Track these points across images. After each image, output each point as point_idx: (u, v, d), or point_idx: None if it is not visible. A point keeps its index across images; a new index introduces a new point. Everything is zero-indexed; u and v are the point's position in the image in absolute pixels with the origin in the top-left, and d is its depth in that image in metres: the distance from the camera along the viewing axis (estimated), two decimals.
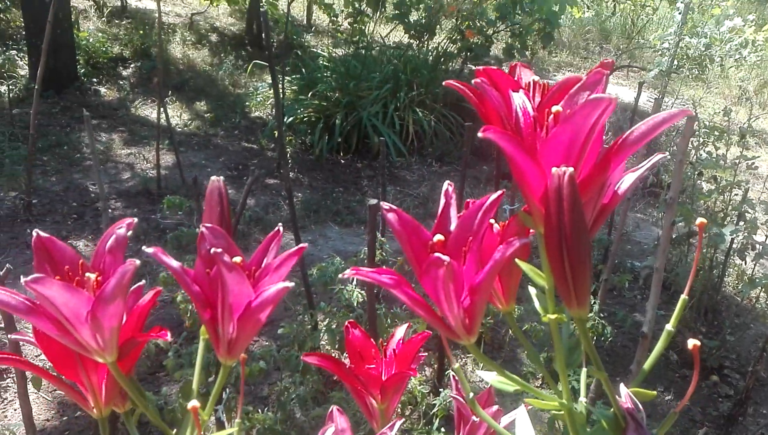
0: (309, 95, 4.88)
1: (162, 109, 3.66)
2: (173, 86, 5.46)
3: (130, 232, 0.56)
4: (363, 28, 5.93)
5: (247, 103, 5.40)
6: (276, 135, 4.40)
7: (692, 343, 0.44)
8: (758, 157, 2.93)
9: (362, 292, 2.20)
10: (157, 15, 7.25)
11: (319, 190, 4.19)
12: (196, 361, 1.74)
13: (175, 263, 0.56)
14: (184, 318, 2.55)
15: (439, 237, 0.51)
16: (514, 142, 0.45)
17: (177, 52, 6.14)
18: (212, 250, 0.53)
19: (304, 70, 5.20)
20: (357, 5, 5.72)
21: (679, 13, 4.97)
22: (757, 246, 2.68)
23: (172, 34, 6.42)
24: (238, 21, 7.31)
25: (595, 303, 2.41)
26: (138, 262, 0.50)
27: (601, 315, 2.50)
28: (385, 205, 0.52)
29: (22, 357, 0.58)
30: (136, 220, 0.57)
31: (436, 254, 0.45)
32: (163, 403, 2.06)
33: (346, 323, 0.85)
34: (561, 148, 0.47)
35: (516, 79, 0.60)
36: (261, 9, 6.50)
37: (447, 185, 0.56)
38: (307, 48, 6.57)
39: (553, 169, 0.46)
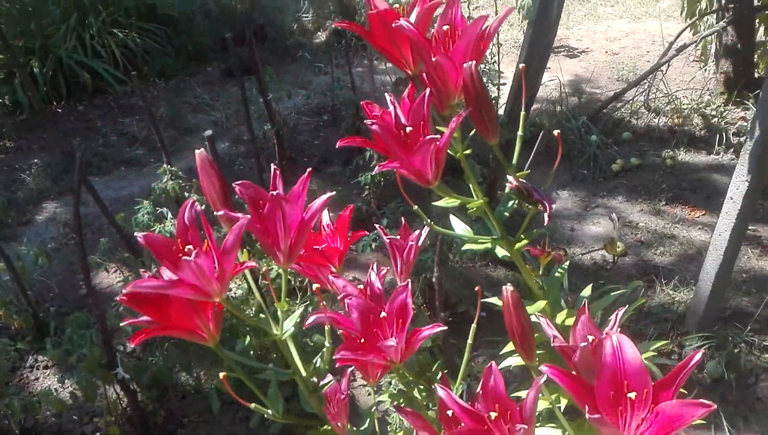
0: None
1: None
2: None
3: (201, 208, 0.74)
4: None
5: None
6: None
7: (557, 132, 0.82)
8: None
9: None
10: None
11: (55, 150, 3.83)
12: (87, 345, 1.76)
13: (240, 215, 0.77)
14: (11, 322, 2.42)
15: (409, 128, 0.80)
16: (445, 56, 0.75)
17: None
18: (274, 192, 0.75)
19: None
20: None
21: None
22: None
23: None
24: None
25: None
26: (247, 217, 0.71)
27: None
28: (368, 121, 0.78)
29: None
30: (196, 198, 0.75)
31: (429, 136, 0.75)
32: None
33: None
34: (463, 51, 0.78)
35: (384, 10, 0.87)
36: None
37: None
38: None
39: (465, 64, 0.77)
